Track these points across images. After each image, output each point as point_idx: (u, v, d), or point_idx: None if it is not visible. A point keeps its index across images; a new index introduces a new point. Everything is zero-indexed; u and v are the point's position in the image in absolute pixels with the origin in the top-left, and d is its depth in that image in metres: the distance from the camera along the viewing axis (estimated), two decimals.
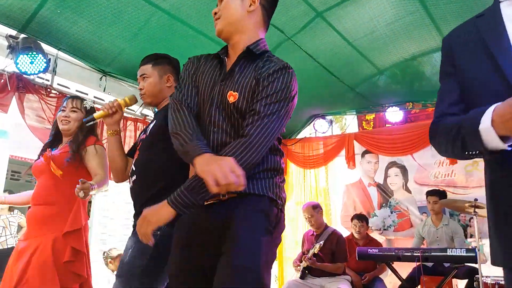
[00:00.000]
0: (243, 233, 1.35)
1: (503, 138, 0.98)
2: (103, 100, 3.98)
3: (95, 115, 2.07)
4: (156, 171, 1.96)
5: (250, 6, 1.52)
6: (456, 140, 1.09)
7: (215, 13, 1.54)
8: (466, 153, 1.08)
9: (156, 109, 2.27)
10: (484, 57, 1.11)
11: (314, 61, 4.07)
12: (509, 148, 1.00)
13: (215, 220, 1.42)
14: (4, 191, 5.85)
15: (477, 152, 1.05)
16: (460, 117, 1.12)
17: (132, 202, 2.07)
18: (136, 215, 2.00)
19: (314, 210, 4.29)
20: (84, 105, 2.50)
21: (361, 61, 4.21)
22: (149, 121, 2.42)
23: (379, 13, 3.53)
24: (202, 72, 1.56)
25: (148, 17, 3.21)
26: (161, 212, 1.35)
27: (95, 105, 2.70)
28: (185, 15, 3.24)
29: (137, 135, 2.32)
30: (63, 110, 2.45)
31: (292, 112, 1.48)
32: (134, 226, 1.96)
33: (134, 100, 2.13)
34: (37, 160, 2.49)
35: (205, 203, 1.43)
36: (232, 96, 1.43)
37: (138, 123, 4.30)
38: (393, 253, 3.78)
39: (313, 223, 4.28)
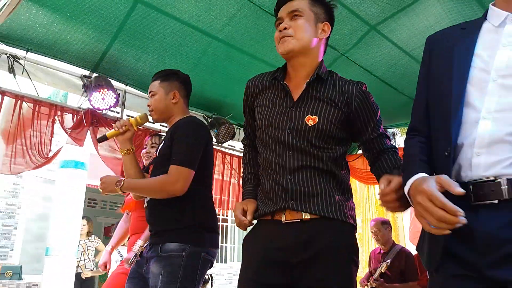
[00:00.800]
0: (335, 267, 1.41)
1: None
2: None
3: (107, 134, 2.14)
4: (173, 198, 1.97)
5: (321, 34, 1.56)
6: None
7: (285, 29, 1.52)
8: None
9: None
10: (446, 68, 1.16)
11: (371, 74, 4.03)
12: None
13: (297, 239, 1.44)
14: (83, 217, 6.25)
15: None
16: (405, 161, 1.23)
17: None
18: (152, 236, 2.04)
19: (383, 225, 4.18)
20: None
21: None
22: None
23: (434, 21, 3.43)
24: (265, 100, 1.60)
25: (206, 47, 3.38)
26: None
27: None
28: (239, 43, 3.37)
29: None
30: (145, 147, 2.70)
31: None
32: (152, 246, 2.00)
33: (145, 119, 2.16)
34: (127, 197, 2.77)
35: (284, 221, 1.46)
36: (311, 120, 1.47)
37: None
38: None
39: (379, 238, 4.15)
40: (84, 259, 6.31)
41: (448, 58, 1.17)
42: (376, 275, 3.89)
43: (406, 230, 5.48)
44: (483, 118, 1.05)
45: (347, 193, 1.55)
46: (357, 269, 1.49)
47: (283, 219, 1.46)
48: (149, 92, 2.18)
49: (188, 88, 2.27)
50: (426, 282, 4.06)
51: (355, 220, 1.52)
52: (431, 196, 1.00)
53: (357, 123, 1.55)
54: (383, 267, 3.86)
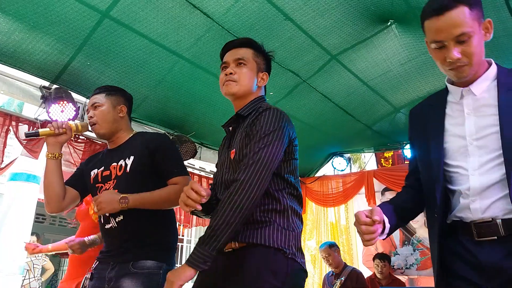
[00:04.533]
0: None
1: None
2: None
3: (40, 131, 1.95)
4: (147, 215, 1.88)
5: (259, 82, 1.70)
6: None
7: (231, 74, 1.63)
8: None
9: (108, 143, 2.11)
10: (424, 141, 1.45)
11: (330, 101, 4.19)
12: None
13: (223, 269, 1.47)
14: (32, 234, 5.96)
15: None
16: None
17: None
18: (112, 256, 1.90)
19: (331, 249, 4.29)
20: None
21: (377, 100, 4.32)
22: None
23: (392, 54, 3.66)
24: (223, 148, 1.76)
25: (171, 66, 3.41)
26: (185, 275, 1.36)
27: None
28: (205, 63, 3.43)
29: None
30: None
31: (285, 142, 1.49)
32: (115, 264, 1.88)
33: (85, 128, 2.03)
34: (79, 204, 2.63)
35: (224, 250, 1.46)
36: (232, 153, 1.57)
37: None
38: None
39: (331, 262, 4.27)
40: (29, 278, 5.98)
41: (425, 134, 1.45)
42: None
43: (359, 253, 5.62)
44: (471, 175, 1.31)
45: (277, 212, 1.50)
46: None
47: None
48: (92, 104, 2.02)
49: (131, 107, 2.18)
50: None
51: (287, 245, 1.46)
52: (357, 217, 1.28)
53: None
54: (337, 285, 3.95)
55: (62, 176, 1.99)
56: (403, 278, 4.89)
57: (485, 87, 1.35)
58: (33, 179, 5.02)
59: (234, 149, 1.56)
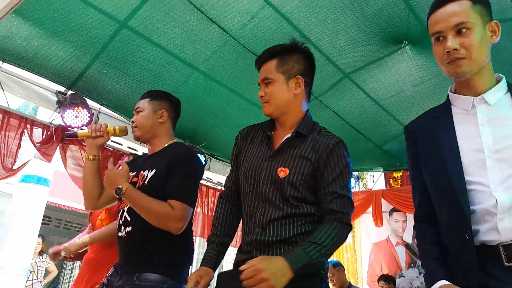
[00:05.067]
0: None
1: None
2: (137, 151, 4.19)
3: (79, 132, 2.01)
4: (160, 230, 1.84)
5: (296, 89, 1.62)
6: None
7: (262, 97, 1.63)
8: None
9: (148, 148, 2.14)
10: (437, 157, 1.29)
11: (341, 119, 4.20)
12: None
13: None
14: (38, 236, 5.98)
15: None
16: (425, 261, 1.35)
17: None
18: (121, 266, 1.92)
19: (335, 268, 4.27)
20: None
21: (388, 120, 4.31)
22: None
23: (405, 75, 3.66)
24: (250, 151, 1.67)
25: (186, 77, 3.45)
26: (282, 270, 1.32)
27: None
28: (219, 76, 3.47)
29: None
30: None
31: None
32: (123, 274, 1.89)
33: (124, 132, 2.04)
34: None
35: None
36: (283, 172, 1.51)
37: None
38: None
39: (335, 282, 4.24)
40: (32, 280, 5.99)
41: (436, 151, 1.30)
42: None
43: (364, 273, 5.56)
44: (494, 191, 1.17)
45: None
46: None
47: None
48: (136, 109, 2.08)
49: (178, 112, 2.18)
50: None
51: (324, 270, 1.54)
52: None
53: (319, 173, 1.52)
54: None
55: (99, 176, 2.02)
56: None
57: (499, 97, 1.27)
58: (44, 182, 5.07)
59: (288, 169, 1.51)
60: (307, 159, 1.53)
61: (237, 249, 1.64)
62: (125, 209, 1.93)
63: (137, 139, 2.08)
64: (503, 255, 1.14)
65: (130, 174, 2.00)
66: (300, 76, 1.62)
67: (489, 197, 1.18)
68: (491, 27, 1.26)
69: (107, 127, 2.01)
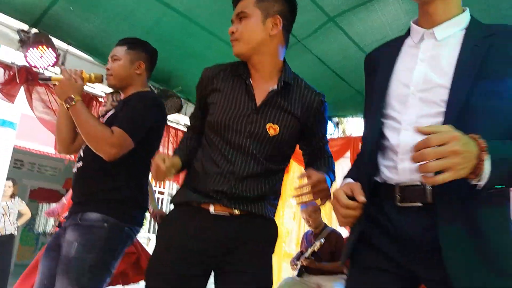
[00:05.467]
0: (262, 259, 1.52)
1: None
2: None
3: (53, 77, 1.98)
4: (107, 166, 1.87)
5: (272, 29, 1.50)
6: None
7: (232, 33, 1.51)
8: None
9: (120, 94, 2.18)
10: (371, 89, 1.29)
11: (324, 64, 4.06)
12: None
13: (226, 233, 1.47)
14: (7, 179, 5.89)
15: None
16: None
17: None
18: (75, 205, 1.92)
19: (314, 212, 4.32)
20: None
21: None
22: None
23: (391, 20, 3.50)
24: (223, 97, 1.53)
25: (160, 16, 3.19)
26: None
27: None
28: (197, 16, 3.22)
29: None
30: (104, 105, 2.62)
31: None
32: (70, 214, 1.90)
33: (99, 79, 2.03)
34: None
35: (212, 212, 1.47)
36: (272, 129, 1.47)
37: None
38: None
39: (311, 223, 4.30)
40: (4, 221, 5.96)
41: (372, 82, 1.29)
42: (307, 254, 4.03)
43: None
44: (404, 130, 1.13)
45: (278, 193, 1.63)
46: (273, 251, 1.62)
47: (212, 209, 1.47)
48: (111, 56, 2.07)
49: (154, 62, 2.20)
50: None
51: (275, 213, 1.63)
52: (337, 197, 1.15)
53: (309, 131, 1.63)
54: (316, 246, 4.01)
55: (72, 121, 1.94)
56: None
57: (451, 33, 1.17)
58: (9, 125, 4.86)
59: (278, 126, 1.48)
60: (295, 117, 1.52)
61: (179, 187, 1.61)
62: (83, 147, 1.98)
63: (112, 87, 2.12)
64: (397, 196, 1.12)
65: (102, 118, 2.06)
66: (278, 16, 1.51)
67: (396, 134, 1.15)
68: None
69: (82, 73, 1.96)
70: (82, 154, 1.96)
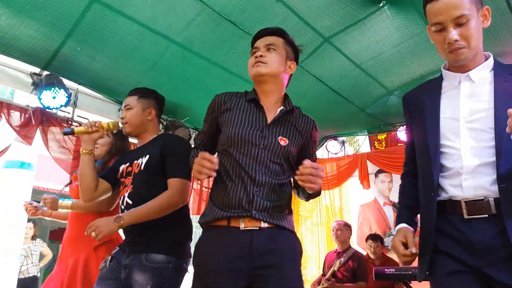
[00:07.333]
0: (292, 274, 1.63)
1: None
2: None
3: (76, 129, 2.12)
4: None
5: (288, 69, 1.79)
6: None
7: (261, 56, 1.71)
8: None
9: (137, 141, 2.30)
10: (422, 123, 1.50)
11: (323, 84, 4.18)
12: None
13: (256, 245, 1.58)
14: (29, 221, 5.95)
15: None
16: (398, 211, 1.64)
17: None
18: (128, 245, 2.04)
19: (344, 226, 4.53)
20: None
21: (370, 82, 4.31)
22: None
23: (384, 36, 3.63)
24: (236, 116, 1.73)
25: (163, 50, 3.38)
26: None
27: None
28: (197, 47, 3.40)
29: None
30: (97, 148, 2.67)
31: None
32: (130, 253, 2.00)
33: (116, 126, 2.17)
34: (73, 185, 2.73)
35: (242, 228, 1.59)
36: (283, 141, 1.69)
37: None
38: (410, 272, 3.75)
39: (338, 236, 4.44)
40: (27, 264, 6.01)
41: (422, 117, 1.50)
42: (328, 275, 4.06)
43: (354, 234, 5.68)
44: (464, 155, 1.37)
45: (290, 207, 1.77)
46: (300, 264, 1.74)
47: (242, 226, 1.59)
48: (125, 106, 2.23)
49: (163, 108, 2.35)
50: (372, 285, 4.27)
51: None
52: (395, 248, 1.48)
53: (306, 150, 1.80)
54: (336, 265, 4.05)
55: (94, 169, 2.13)
56: (397, 258, 4.96)
57: (483, 75, 1.43)
58: (27, 167, 5.01)
59: (287, 139, 1.70)
60: (300, 133, 1.76)
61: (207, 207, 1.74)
62: (126, 194, 2.06)
63: (128, 134, 2.27)
64: (464, 209, 1.34)
65: (124, 165, 2.19)
66: (294, 62, 1.82)
67: (458, 159, 1.37)
68: (482, 13, 1.40)
69: (101, 123, 2.11)
70: (130, 202, 2.03)
